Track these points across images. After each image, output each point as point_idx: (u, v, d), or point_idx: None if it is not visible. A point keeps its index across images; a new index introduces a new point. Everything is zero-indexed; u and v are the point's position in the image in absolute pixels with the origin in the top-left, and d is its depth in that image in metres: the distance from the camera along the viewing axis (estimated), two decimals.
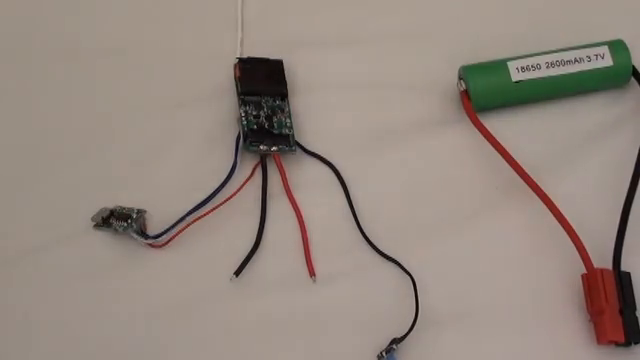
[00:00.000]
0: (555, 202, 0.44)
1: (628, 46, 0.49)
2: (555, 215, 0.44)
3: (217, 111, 0.48)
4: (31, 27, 0.50)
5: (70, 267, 0.43)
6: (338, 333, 0.42)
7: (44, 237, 0.44)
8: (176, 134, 0.47)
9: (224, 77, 0.49)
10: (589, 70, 0.48)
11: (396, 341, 0.41)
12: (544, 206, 0.44)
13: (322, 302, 0.43)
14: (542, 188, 0.45)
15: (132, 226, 0.43)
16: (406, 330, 0.41)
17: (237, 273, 0.43)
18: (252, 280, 0.43)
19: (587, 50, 0.49)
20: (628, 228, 0.44)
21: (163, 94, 0.49)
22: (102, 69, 0.49)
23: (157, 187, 0.45)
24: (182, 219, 0.43)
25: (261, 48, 0.50)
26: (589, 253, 0.43)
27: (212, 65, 0.49)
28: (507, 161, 0.46)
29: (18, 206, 0.45)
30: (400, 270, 0.44)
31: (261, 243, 0.44)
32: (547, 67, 0.48)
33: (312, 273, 0.43)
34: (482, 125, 0.47)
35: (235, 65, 0.48)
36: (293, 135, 0.47)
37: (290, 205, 0.45)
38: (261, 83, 0.48)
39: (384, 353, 0.41)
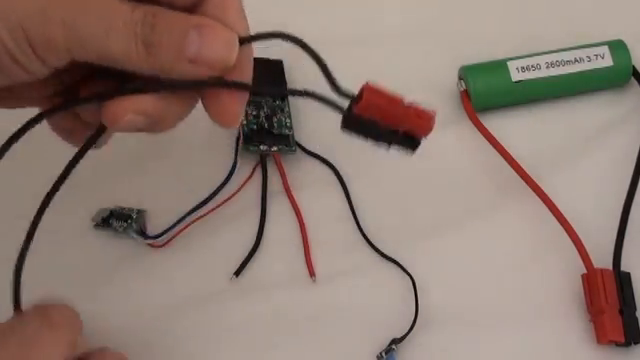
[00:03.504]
0: (555, 202, 0.44)
1: (628, 46, 0.49)
2: (555, 215, 0.44)
3: None
4: None
5: (70, 267, 0.43)
6: (338, 333, 0.42)
7: (44, 237, 0.44)
8: (176, 134, 0.47)
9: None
10: (589, 70, 0.49)
11: (396, 341, 0.41)
12: (544, 206, 0.44)
13: (322, 302, 0.43)
14: (542, 188, 0.45)
15: (132, 226, 0.43)
16: (406, 330, 0.41)
17: (237, 273, 0.43)
18: (252, 280, 0.43)
19: (587, 50, 0.49)
20: (628, 228, 0.44)
21: None
22: None
23: (157, 187, 0.45)
24: (182, 219, 0.43)
25: (261, 48, 0.50)
26: (589, 253, 0.43)
27: None
28: (507, 161, 0.46)
29: (18, 206, 0.45)
30: (400, 270, 0.44)
31: (261, 243, 0.44)
32: (547, 67, 0.48)
33: (312, 273, 0.43)
34: (482, 125, 0.47)
35: None
36: (293, 135, 0.47)
37: (290, 205, 0.45)
38: (261, 83, 0.47)
39: (383, 353, 0.41)
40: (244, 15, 0.35)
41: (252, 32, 0.51)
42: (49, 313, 0.33)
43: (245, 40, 0.34)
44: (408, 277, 0.43)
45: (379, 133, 0.33)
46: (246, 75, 0.34)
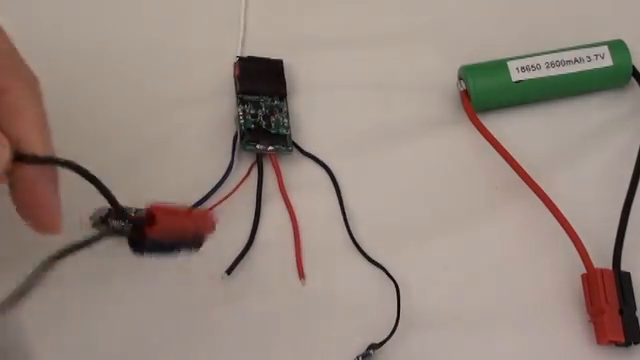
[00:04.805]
0: (555, 202, 0.44)
1: (628, 46, 0.49)
2: (555, 215, 0.44)
3: (217, 110, 0.48)
4: (30, 27, 0.50)
5: (69, 266, 0.43)
6: (320, 336, 0.42)
7: (43, 237, 0.44)
8: (175, 133, 0.47)
9: (225, 76, 0.48)
10: (589, 70, 0.48)
11: (374, 347, 0.41)
12: (544, 206, 0.44)
13: (308, 304, 0.42)
14: (542, 188, 0.45)
15: (130, 225, 0.42)
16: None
17: (229, 272, 0.43)
18: (243, 279, 0.43)
19: (587, 50, 0.49)
20: (628, 228, 0.44)
21: (164, 93, 0.49)
22: (101, 68, 0.49)
23: (156, 186, 0.45)
24: None
25: (262, 48, 0.50)
26: (589, 253, 0.43)
27: (213, 64, 0.49)
28: (507, 161, 0.46)
29: None
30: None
31: (254, 243, 0.44)
32: (547, 67, 0.48)
33: (302, 275, 0.43)
34: (482, 125, 0.47)
35: (235, 64, 0.48)
36: (290, 135, 0.47)
37: (284, 205, 0.45)
38: (260, 82, 0.48)
39: (361, 358, 0.41)
40: (44, 130, 0.33)
41: (253, 33, 0.51)
42: None
43: (29, 159, 0.31)
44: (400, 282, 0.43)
45: (170, 247, 0.35)
46: (29, 197, 0.32)
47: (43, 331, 0.41)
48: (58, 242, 0.43)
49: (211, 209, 0.41)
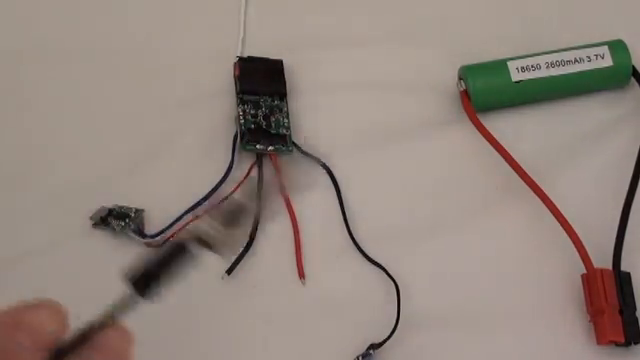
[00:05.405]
0: (555, 202, 0.44)
1: (628, 46, 0.49)
2: (555, 215, 0.44)
3: (217, 110, 0.48)
4: (29, 27, 0.51)
5: (69, 266, 0.43)
6: (320, 335, 0.42)
7: (44, 237, 0.44)
8: (175, 133, 0.47)
9: (225, 76, 0.49)
10: (589, 70, 0.48)
11: (374, 346, 0.41)
12: (544, 206, 0.44)
13: (308, 304, 0.43)
14: (542, 188, 0.45)
15: (130, 225, 0.43)
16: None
17: (229, 272, 0.43)
18: (243, 279, 0.43)
19: (587, 50, 0.49)
20: (628, 228, 0.44)
21: (164, 93, 0.49)
22: (101, 68, 0.49)
23: (156, 186, 0.45)
24: (179, 218, 0.43)
25: (262, 47, 0.50)
26: (589, 253, 0.43)
27: (213, 64, 0.49)
28: (507, 161, 0.46)
29: (17, 206, 0.45)
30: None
31: (254, 243, 0.44)
32: (547, 67, 0.48)
33: (302, 275, 0.43)
34: (482, 125, 0.47)
35: (235, 64, 0.48)
36: (290, 135, 0.47)
37: (284, 205, 0.45)
38: (260, 82, 0.48)
39: (361, 358, 0.41)
40: None
41: (253, 33, 0.51)
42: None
43: None
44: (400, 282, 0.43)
45: None
46: None
47: None
48: (59, 243, 0.43)
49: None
